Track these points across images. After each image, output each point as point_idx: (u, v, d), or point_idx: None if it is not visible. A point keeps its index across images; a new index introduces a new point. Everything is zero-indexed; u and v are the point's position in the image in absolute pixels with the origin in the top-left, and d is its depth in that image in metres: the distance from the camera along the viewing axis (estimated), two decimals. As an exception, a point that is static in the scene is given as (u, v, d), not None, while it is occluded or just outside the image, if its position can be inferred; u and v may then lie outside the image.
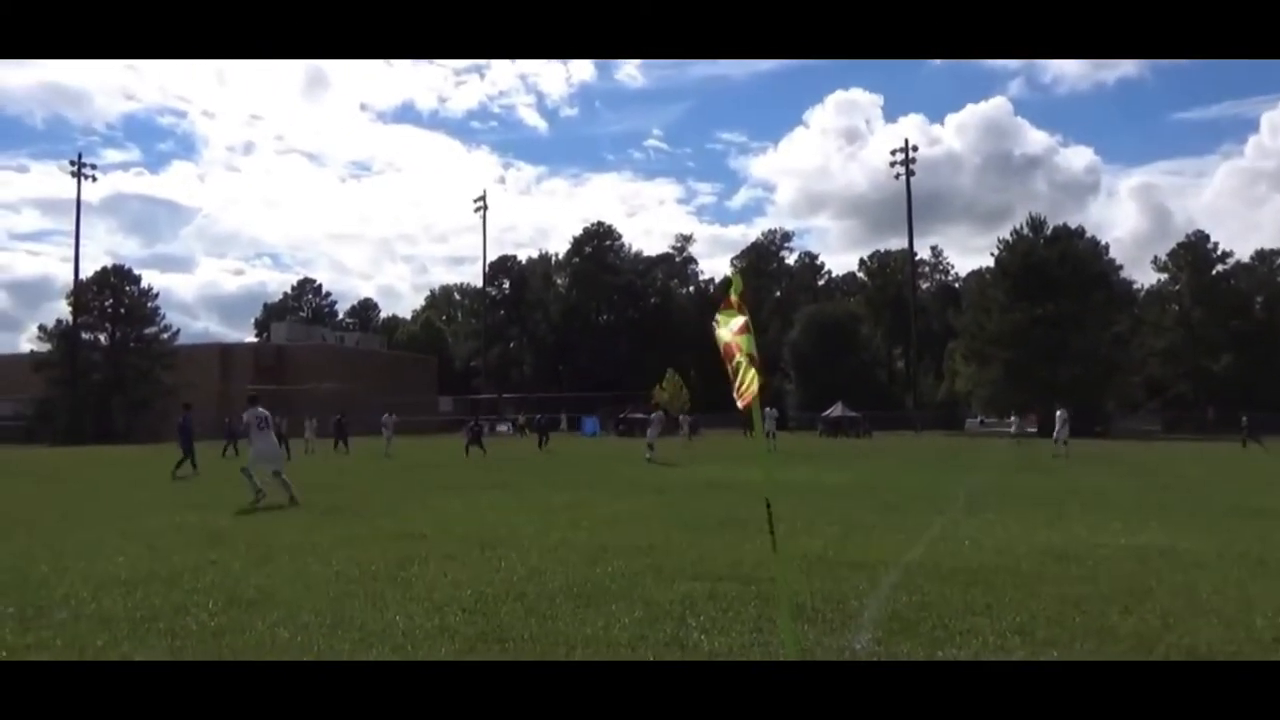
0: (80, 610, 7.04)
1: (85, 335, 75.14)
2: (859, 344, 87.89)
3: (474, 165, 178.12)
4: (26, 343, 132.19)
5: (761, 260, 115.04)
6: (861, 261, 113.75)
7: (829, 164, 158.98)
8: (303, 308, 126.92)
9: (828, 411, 64.39)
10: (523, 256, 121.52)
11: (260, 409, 16.27)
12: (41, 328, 75.71)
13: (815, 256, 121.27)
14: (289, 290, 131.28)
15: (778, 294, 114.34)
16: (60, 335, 73.72)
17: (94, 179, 77.41)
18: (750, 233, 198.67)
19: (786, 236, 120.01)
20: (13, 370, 75.93)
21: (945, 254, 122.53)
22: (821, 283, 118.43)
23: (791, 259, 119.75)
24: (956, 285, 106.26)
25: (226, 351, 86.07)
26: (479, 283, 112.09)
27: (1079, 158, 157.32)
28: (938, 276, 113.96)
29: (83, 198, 75.46)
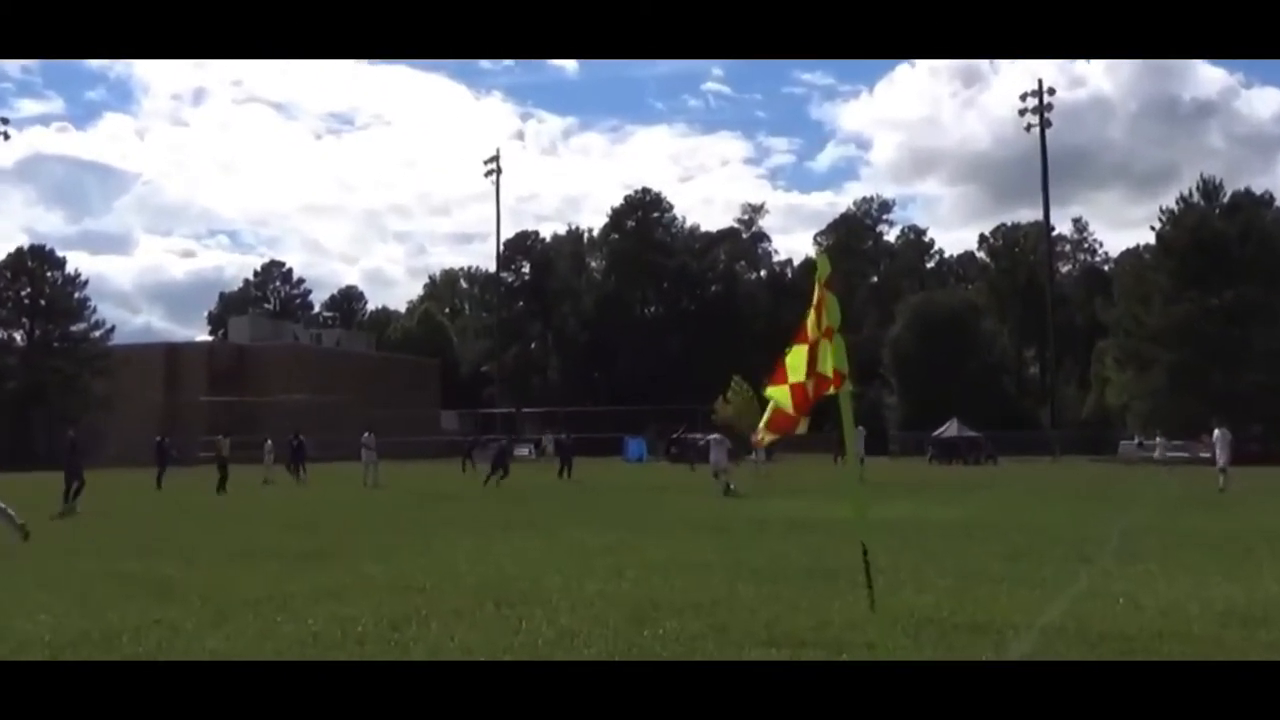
0: (-5, 678, 7.18)
1: (-4, 333, 76.46)
2: (979, 344, 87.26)
3: (484, 116, 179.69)
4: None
5: (853, 237, 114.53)
6: (982, 238, 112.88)
7: (940, 113, 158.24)
8: (269, 298, 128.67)
9: (939, 431, 63.95)
10: (547, 233, 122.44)
11: None
12: (-58, 324, 77.25)
13: (922, 232, 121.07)
14: (251, 276, 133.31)
15: (874, 280, 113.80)
16: (-35, 334, 75.08)
17: (5, 136, 78.58)
18: (839, 201, 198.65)
19: (885, 206, 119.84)
20: (-91, 377, 77.27)
21: (1091, 228, 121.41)
22: (930, 265, 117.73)
23: (892, 235, 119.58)
24: (1106, 269, 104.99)
25: (173, 353, 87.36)
26: (491, 266, 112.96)
27: (1266, 102, 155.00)
28: (1081, 257, 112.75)
29: (-7, 161, 77.12)
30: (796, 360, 5.81)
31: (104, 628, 8.97)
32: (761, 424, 5.98)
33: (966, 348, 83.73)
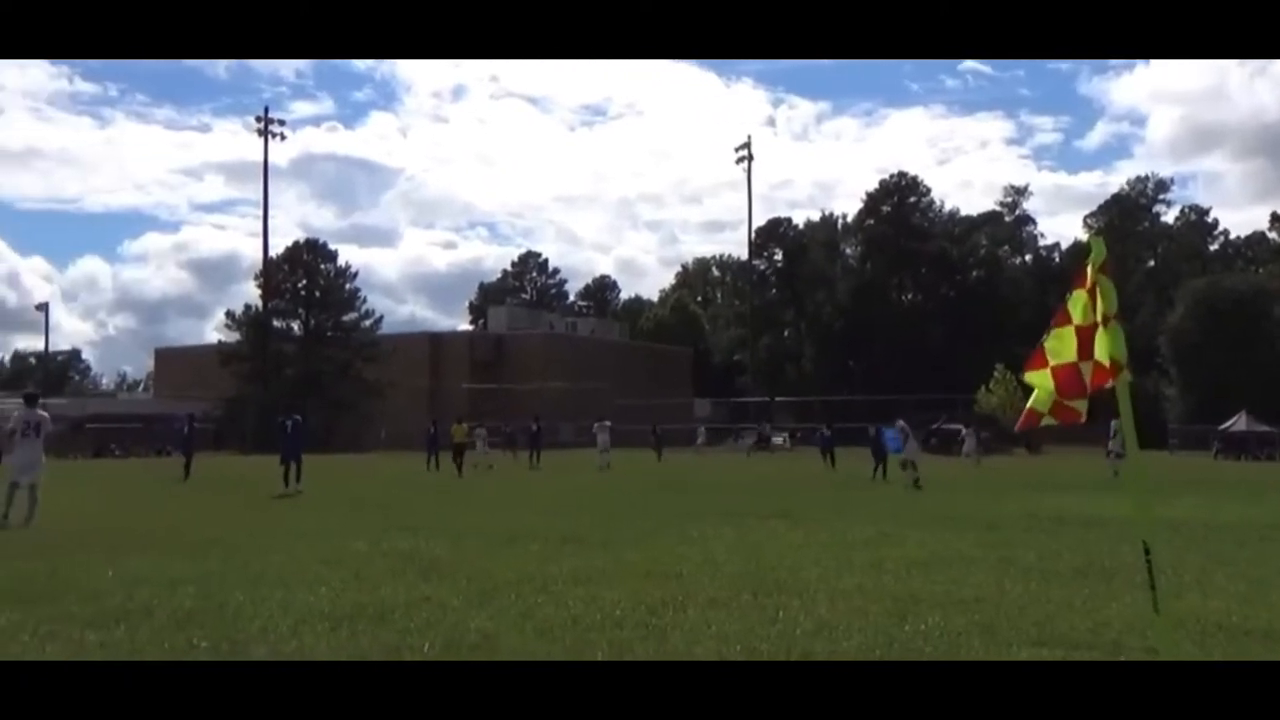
0: (279, 647, 7.69)
1: (276, 323, 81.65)
2: (1270, 331, 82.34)
3: (735, 103, 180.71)
4: (214, 332, 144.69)
5: (1127, 219, 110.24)
6: (1274, 217, 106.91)
7: (1225, 82, 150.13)
8: (525, 288, 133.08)
9: (1227, 424, 61.10)
10: (800, 219, 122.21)
11: (39, 411, 17.24)
12: (229, 314, 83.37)
13: (1205, 212, 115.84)
14: (509, 267, 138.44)
15: (1151, 264, 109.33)
16: (250, 323, 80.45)
17: (282, 137, 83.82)
18: (1110, 181, 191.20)
19: (1163, 185, 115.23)
20: (201, 364, 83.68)
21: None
22: (1214, 247, 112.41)
23: (1170, 216, 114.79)
24: None
25: (437, 342, 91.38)
26: (743, 254, 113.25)
27: None
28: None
29: (270, 160, 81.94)
30: (1058, 345, 5.60)
31: (377, 602, 9.46)
32: (1027, 411, 5.80)
33: (1257, 335, 79.28)
